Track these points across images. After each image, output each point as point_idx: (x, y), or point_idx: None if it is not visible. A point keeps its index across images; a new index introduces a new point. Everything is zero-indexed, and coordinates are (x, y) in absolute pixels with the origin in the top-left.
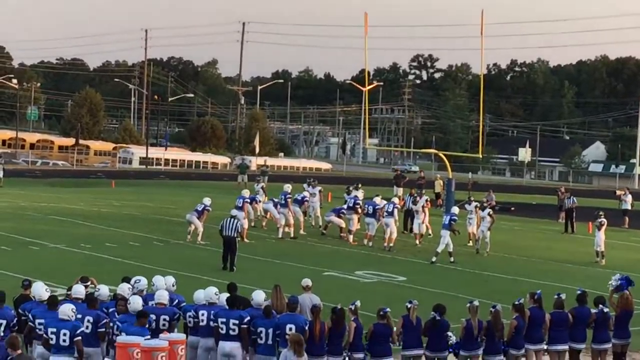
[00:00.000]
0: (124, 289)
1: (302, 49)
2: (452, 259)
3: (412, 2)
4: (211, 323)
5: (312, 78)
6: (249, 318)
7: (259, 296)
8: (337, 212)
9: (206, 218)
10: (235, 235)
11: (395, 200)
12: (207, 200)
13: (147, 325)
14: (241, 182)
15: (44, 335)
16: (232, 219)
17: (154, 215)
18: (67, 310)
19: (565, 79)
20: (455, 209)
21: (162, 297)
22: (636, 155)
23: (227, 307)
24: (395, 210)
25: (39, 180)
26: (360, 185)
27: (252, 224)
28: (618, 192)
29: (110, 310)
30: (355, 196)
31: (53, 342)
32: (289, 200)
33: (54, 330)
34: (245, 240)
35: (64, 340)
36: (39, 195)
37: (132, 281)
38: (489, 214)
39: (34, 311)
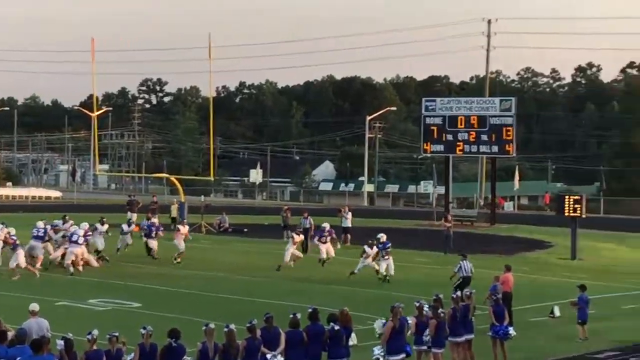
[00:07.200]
0: None
1: (28, 75)
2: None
3: (138, 26)
4: None
5: (39, 105)
6: None
7: None
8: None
9: None
10: None
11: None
12: None
13: None
14: None
15: None
16: None
17: None
18: None
19: (294, 100)
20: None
21: None
22: (364, 173)
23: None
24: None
25: None
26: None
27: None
28: (341, 210)
29: None
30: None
31: None
32: None
33: None
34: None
35: None
36: None
37: None
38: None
39: None
